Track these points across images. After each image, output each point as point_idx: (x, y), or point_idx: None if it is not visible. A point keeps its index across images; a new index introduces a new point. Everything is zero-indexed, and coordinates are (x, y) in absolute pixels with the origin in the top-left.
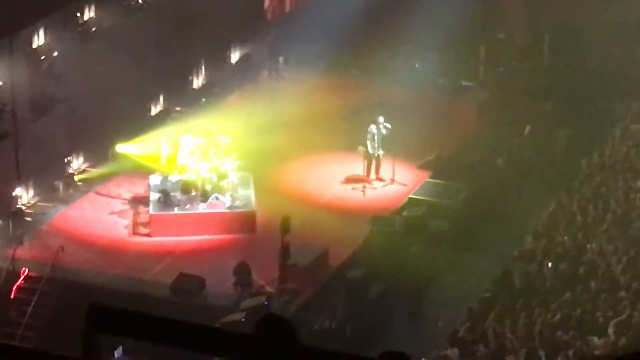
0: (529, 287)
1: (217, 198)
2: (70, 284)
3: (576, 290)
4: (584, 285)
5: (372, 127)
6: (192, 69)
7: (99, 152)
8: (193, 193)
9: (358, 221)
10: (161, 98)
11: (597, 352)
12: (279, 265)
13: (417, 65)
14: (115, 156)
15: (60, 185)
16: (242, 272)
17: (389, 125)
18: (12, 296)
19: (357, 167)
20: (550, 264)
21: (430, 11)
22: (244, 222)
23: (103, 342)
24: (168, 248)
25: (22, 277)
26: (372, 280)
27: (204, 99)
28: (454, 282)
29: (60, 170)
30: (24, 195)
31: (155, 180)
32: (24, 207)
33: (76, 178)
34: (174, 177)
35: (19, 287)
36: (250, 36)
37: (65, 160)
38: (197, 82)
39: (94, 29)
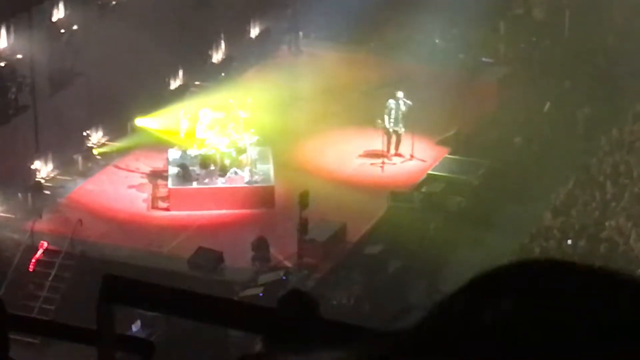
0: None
1: (235, 173)
2: (89, 258)
3: None
4: (603, 262)
5: (391, 102)
6: (212, 44)
7: (118, 125)
8: (212, 167)
9: (376, 197)
10: (180, 72)
11: None
12: (297, 240)
13: (437, 41)
14: (134, 130)
15: (79, 158)
16: (260, 246)
17: (408, 101)
18: (30, 269)
19: (376, 143)
20: (569, 241)
21: None
22: (263, 196)
23: (120, 315)
24: (186, 222)
25: (40, 250)
26: (390, 256)
27: (223, 74)
28: (472, 258)
29: (79, 143)
30: (43, 169)
31: (174, 154)
32: (43, 181)
33: (95, 152)
34: (192, 152)
35: (37, 260)
36: (270, 10)
37: (84, 133)
38: (217, 56)
39: (113, 2)
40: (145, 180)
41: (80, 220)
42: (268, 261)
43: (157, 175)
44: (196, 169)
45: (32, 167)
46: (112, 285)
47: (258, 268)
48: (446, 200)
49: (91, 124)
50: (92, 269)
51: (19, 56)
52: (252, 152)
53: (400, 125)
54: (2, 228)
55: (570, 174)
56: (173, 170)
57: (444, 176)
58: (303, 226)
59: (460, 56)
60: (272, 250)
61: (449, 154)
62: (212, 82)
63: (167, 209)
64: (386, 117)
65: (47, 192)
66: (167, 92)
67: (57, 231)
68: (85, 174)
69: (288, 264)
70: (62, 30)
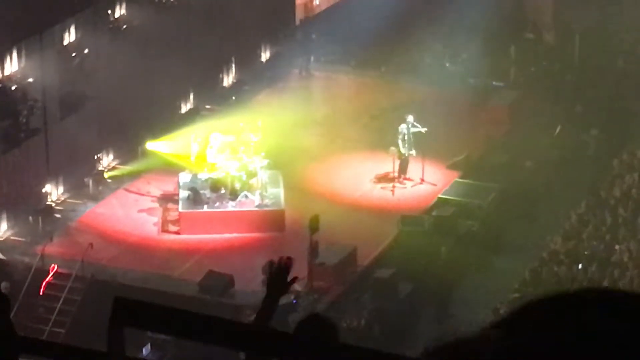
0: (558, 288)
1: (246, 196)
2: (99, 281)
3: None
4: (613, 286)
5: (403, 127)
6: (223, 67)
7: (128, 149)
8: (222, 191)
9: (387, 220)
10: (191, 96)
11: None
12: (307, 264)
13: (447, 65)
14: (145, 153)
15: (89, 182)
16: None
17: (418, 125)
18: (41, 292)
19: (387, 166)
20: (580, 266)
21: (461, 11)
22: (273, 220)
23: (130, 338)
24: (197, 246)
25: (51, 274)
26: (401, 279)
27: (234, 97)
28: (483, 282)
29: (89, 167)
30: (54, 192)
31: (184, 177)
32: (53, 204)
33: (106, 175)
34: (203, 175)
35: (48, 283)
36: (280, 34)
37: (95, 157)
38: (227, 80)
39: (124, 26)
40: (155, 204)
41: (90, 244)
42: None
43: (167, 199)
44: (207, 192)
45: (43, 190)
46: (122, 308)
47: None
48: (457, 224)
49: (102, 147)
50: (102, 292)
51: (30, 80)
52: (263, 176)
53: (412, 149)
54: (13, 251)
55: (581, 198)
56: (184, 193)
57: (455, 200)
58: (313, 250)
59: (470, 80)
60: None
61: (459, 178)
62: (223, 105)
63: (177, 233)
64: (400, 142)
65: (57, 215)
66: (178, 116)
67: (68, 254)
68: (96, 198)
69: (298, 287)
70: (73, 54)
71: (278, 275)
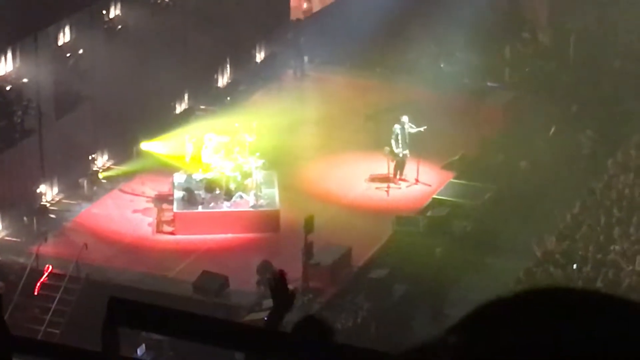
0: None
1: (241, 197)
2: (94, 281)
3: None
4: (608, 287)
5: (397, 127)
6: (217, 68)
7: (123, 149)
8: (217, 191)
9: (382, 221)
10: (186, 96)
11: None
12: (302, 264)
13: (442, 65)
14: (140, 154)
15: (84, 182)
16: (266, 270)
17: (413, 125)
18: (35, 293)
19: (382, 167)
20: (574, 266)
21: (456, 11)
22: (268, 220)
23: (125, 339)
24: (191, 246)
25: (45, 274)
26: (395, 280)
27: (228, 98)
28: (478, 282)
29: (84, 167)
30: (49, 192)
31: (179, 178)
32: (48, 204)
33: (100, 175)
34: (198, 176)
35: (42, 283)
36: (275, 35)
37: (90, 157)
38: (222, 80)
39: (119, 26)
40: (150, 204)
41: (85, 244)
42: None
43: (162, 199)
44: (201, 192)
45: (38, 190)
46: (117, 309)
47: (263, 292)
48: (451, 225)
49: (97, 147)
50: (97, 292)
51: (25, 80)
52: (258, 176)
53: (406, 149)
54: (8, 252)
55: (575, 198)
56: (178, 194)
57: (449, 200)
58: (308, 250)
59: (465, 80)
60: None
61: (454, 179)
62: (217, 106)
63: (172, 233)
64: (393, 142)
65: (52, 215)
66: (173, 116)
67: (63, 255)
68: (90, 198)
69: (292, 287)
70: (68, 54)
71: (279, 288)
